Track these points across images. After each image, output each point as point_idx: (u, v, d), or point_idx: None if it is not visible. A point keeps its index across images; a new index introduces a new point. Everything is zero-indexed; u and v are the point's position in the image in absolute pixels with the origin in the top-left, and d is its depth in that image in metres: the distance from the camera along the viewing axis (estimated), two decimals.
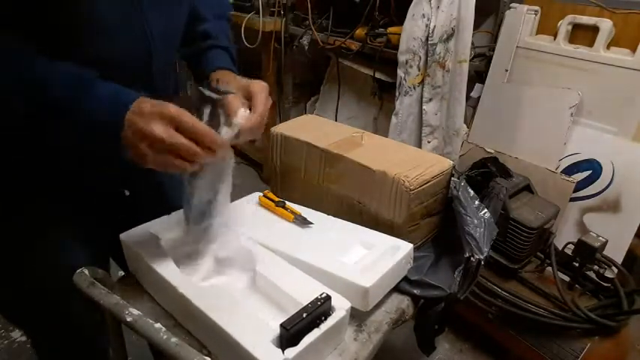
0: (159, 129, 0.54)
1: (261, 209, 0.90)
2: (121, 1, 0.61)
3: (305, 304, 0.60)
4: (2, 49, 0.55)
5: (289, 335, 0.56)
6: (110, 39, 0.61)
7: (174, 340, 0.57)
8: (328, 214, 0.87)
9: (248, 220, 0.84)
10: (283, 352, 0.56)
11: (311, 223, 0.83)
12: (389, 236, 0.81)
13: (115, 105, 0.56)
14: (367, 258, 0.75)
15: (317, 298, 0.61)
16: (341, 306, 0.63)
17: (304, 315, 0.58)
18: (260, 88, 0.69)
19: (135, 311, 0.62)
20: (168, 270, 0.69)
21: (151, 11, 0.65)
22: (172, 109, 0.55)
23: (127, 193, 0.82)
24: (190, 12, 0.81)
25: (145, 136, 0.54)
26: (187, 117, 0.56)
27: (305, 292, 0.64)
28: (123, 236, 0.76)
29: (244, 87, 0.69)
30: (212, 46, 0.82)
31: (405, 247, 0.78)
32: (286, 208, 0.87)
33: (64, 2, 0.55)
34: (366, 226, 0.84)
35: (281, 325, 0.57)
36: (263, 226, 0.84)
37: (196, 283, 0.69)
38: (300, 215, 0.85)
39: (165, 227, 0.78)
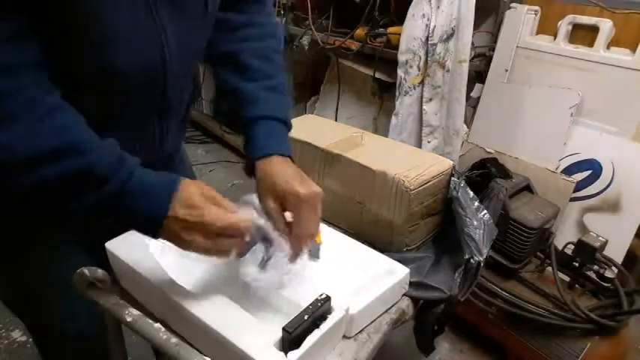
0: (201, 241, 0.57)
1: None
2: (135, 11, 0.58)
3: (303, 305, 0.60)
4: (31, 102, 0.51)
5: (291, 338, 0.56)
6: (122, 48, 0.59)
7: (174, 340, 0.57)
8: (328, 215, 0.87)
9: None
10: (286, 355, 0.55)
11: (317, 258, 0.79)
12: (386, 257, 0.79)
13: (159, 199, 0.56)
14: (358, 281, 0.72)
15: (317, 299, 0.61)
16: (339, 306, 0.63)
17: (305, 317, 0.58)
18: (307, 200, 0.64)
19: (135, 311, 0.62)
20: (160, 278, 0.67)
21: (169, 23, 0.62)
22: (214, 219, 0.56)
23: None
24: (231, 56, 0.74)
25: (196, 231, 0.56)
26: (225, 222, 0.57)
27: (303, 293, 0.64)
28: (108, 244, 0.73)
29: (292, 193, 0.64)
30: (261, 117, 0.72)
31: (400, 272, 0.75)
32: None
33: (78, 11, 0.53)
34: (366, 226, 0.84)
35: (283, 328, 0.56)
36: None
37: (190, 290, 0.66)
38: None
39: None
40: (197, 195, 0.57)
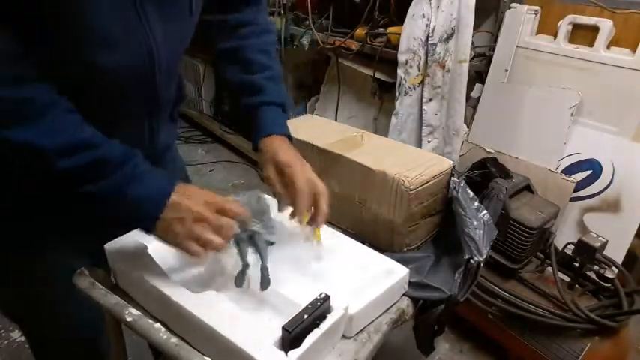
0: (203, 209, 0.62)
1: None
2: (123, 12, 0.59)
3: (302, 304, 0.60)
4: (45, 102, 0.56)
5: (291, 337, 0.56)
6: (112, 49, 0.60)
7: (174, 340, 0.57)
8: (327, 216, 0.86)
9: None
10: (287, 354, 0.55)
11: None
12: (386, 257, 0.79)
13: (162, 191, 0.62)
14: (357, 281, 0.72)
15: (316, 298, 0.61)
16: (339, 305, 0.63)
17: (305, 316, 0.58)
18: (304, 186, 0.72)
19: (135, 311, 0.62)
20: (159, 278, 0.67)
21: (156, 23, 0.64)
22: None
23: None
24: (234, 52, 0.81)
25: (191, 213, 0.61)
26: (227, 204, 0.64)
27: (302, 292, 0.64)
28: (107, 246, 0.73)
29: (290, 165, 0.73)
30: (264, 103, 0.80)
31: (400, 272, 0.75)
32: None
33: (64, 11, 0.55)
34: (366, 226, 0.84)
35: (283, 327, 0.56)
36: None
37: (190, 290, 0.66)
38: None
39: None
40: (196, 189, 0.64)
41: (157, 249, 0.74)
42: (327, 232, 0.83)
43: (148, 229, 0.63)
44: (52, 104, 0.57)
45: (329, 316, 0.61)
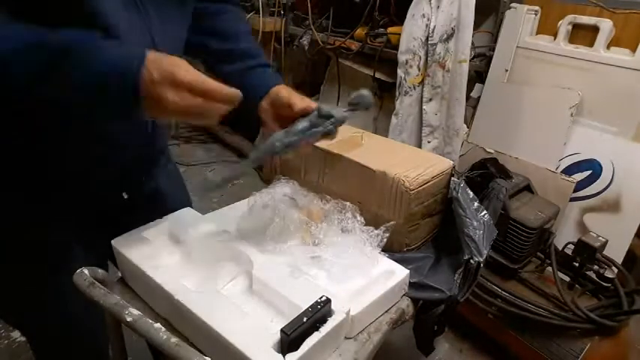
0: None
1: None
2: (125, 5, 0.60)
3: (303, 307, 0.60)
4: None
5: (290, 340, 0.56)
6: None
7: (174, 340, 0.57)
8: None
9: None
10: (284, 357, 0.55)
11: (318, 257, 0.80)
12: (386, 258, 0.79)
13: (128, 60, 0.54)
14: (358, 282, 0.73)
15: (317, 301, 0.61)
16: (340, 309, 0.63)
17: (304, 319, 0.57)
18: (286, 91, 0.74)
19: (135, 311, 0.62)
20: (162, 276, 0.68)
21: (154, 15, 0.65)
22: (183, 73, 0.55)
23: (126, 196, 0.82)
24: (213, 29, 0.82)
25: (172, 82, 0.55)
26: (196, 77, 0.56)
27: (303, 295, 0.64)
28: (115, 242, 0.75)
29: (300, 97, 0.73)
30: (257, 65, 0.82)
31: (400, 273, 0.76)
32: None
33: (68, 5, 0.55)
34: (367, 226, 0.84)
35: (281, 330, 0.56)
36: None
37: (192, 289, 0.67)
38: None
39: (159, 231, 0.78)
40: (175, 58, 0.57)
41: (163, 246, 0.75)
42: (327, 232, 0.83)
43: (135, 92, 0.54)
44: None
45: (329, 319, 0.61)
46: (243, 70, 0.81)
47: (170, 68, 0.55)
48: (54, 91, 0.55)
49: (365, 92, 0.74)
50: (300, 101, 0.74)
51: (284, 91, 0.77)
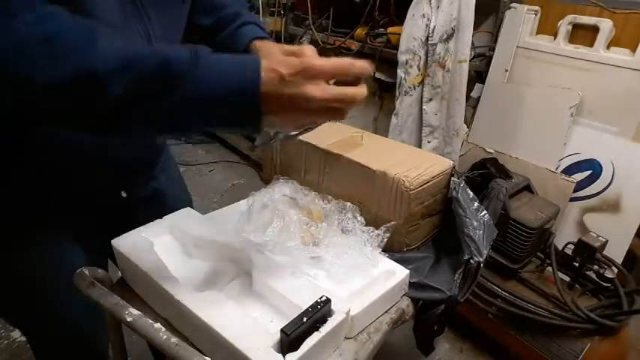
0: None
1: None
2: (122, 3, 0.60)
3: (303, 307, 0.60)
4: (86, 27, 0.48)
5: (290, 340, 0.56)
6: None
7: (174, 340, 0.57)
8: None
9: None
10: (284, 357, 0.55)
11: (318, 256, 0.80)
12: (386, 258, 0.79)
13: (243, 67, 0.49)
14: (358, 282, 0.73)
15: (317, 301, 0.60)
16: (340, 309, 0.63)
17: (304, 319, 0.57)
18: (311, 51, 0.58)
19: (135, 311, 0.62)
20: (162, 275, 0.68)
21: (153, 13, 0.64)
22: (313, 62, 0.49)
23: (124, 194, 0.82)
24: (206, 6, 0.80)
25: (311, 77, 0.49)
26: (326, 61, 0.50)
27: (303, 295, 0.64)
28: (115, 242, 0.74)
29: (293, 52, 0.59)
30: (243, 24, 0.79)
31: (400, 273, 0.76)
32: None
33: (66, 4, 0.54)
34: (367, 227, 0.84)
35: (281, 330, 0.56)
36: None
37: (192, 289, 0.67)
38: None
39: (159, 231, 0.78)
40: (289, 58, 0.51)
41: (163, 246, 0.75)
42: (327, 232, 0.83)
43: (257, 108, 0.49)
44: (92, 28, 0.48)
45: (329, 319, 0.61)
46: (230, 33, 0.79)
47: (299, 59, 0.49)
48: (151, 115, 0.49)
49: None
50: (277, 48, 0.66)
51: (267, 46, 0.72)
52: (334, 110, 0.52)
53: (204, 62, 0.48)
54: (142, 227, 0.78)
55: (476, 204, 0.89)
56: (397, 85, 1.78)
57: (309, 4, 2.17)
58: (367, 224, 0.83)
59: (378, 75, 2.01)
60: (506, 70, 1.81)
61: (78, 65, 0.45)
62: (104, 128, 0.50)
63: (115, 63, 0.46)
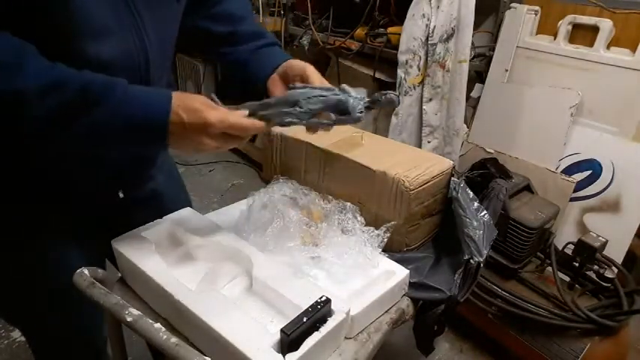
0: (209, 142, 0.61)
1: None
2: (114, 3, 0.59)
3: (303, 307, 0.60)
4: (17, 50, 0.53)
5: (290, 340, 0.56)
6: (103, 39, 0.60)
7: (174, 340, 0.57)
8: None
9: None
10: (284, 357, 0.55)
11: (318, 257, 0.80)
12: (386, 258, 0.80)
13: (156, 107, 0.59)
14: (358, 282, 0.73)
15: (317, 301, 0.60)
16: (340, 309, 0.63)
17: (304, 319, 0.57)
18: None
19: (135, 311, 0.62)
20: (162, 276, 0.68)
21: (146, 13, 0.64)
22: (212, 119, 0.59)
23: (121, 195, 0.82)
24: (219, 14, 0.83)
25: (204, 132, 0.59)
26: (225, 116, 0.60)
27: (303, 295, 0.64)
28: (114, 242, 0.75)
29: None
30: (268, 44, 0.84)
31: (400, 273, 0.76)
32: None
33: (54, 6, 0.54)
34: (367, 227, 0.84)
35: (281, 330, 0.56)
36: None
37: (192, 289, 0.67)
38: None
39: (159, 231, 0.78)
40: (197, 101, 0.60)
41: (163, 246, 0.75)
42: (327, 232, 0.83)
43: (163, 135, 0.59)
44: (22, 51, 0.53)
45: (329, 319, 0.61)
46: (252, 50, 0.83)
47: (199, 113, 0.58)
48: (72, 138, 0.56)
49: (394, 97, 0.73)
50: (317, 76, 0.75)
51: (298, 61, 0.78)
52: (231, 137, 0.62)
53: (120, 91, 0.56)
54: (141, 227, 0.78)
55: (476, 204, 0.89)
56: (397, 85, 1.78)
57: (309, 4, 2.17)
58: (367, 224, 0.83)
59: (378, 75, 2.01)
60: (506, 70, 1.81)
61: (2, 85, 0.50)
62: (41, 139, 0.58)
63: (38, 85, 0.52)
